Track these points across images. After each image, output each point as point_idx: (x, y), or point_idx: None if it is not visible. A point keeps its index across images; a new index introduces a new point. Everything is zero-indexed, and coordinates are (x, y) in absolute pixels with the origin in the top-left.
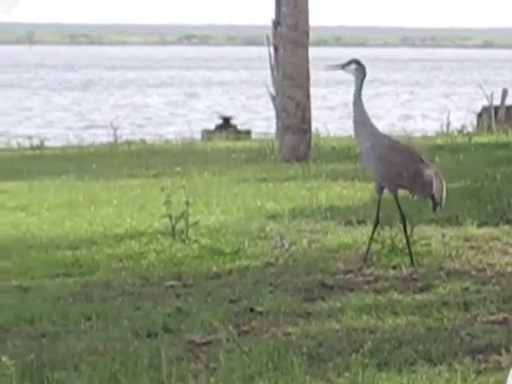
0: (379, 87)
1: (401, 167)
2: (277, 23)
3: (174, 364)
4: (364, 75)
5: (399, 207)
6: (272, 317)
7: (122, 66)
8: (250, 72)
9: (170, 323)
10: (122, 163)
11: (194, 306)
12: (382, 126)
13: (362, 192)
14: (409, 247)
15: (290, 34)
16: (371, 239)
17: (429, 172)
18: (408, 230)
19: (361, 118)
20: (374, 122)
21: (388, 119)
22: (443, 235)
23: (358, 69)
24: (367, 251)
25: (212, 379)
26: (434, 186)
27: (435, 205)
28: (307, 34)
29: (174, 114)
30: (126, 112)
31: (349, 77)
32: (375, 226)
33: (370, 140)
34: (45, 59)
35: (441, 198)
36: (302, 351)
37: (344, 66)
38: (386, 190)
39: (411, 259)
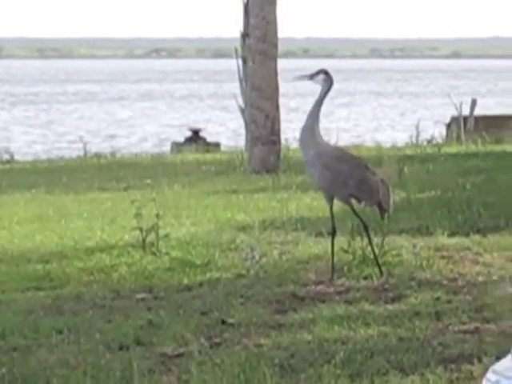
0: (347, 98)
1: (347, 175)
2: (245, 35)
3: (146, 376)
4: (330, 86)
5: (357, 215)
6: (244, 328)
7: (89, 79)
8: (219, 84)
9: (142, 336)
10: (92, 176)
11: (166, 319)
12: (350, 136)
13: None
14: (375, 256)
15: (259, 45)
16: (332, 250)
17: (375, 179)
18: (379, 240)
19: (311, 126)
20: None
21: (356, 130)
22: (414, 245)
23: (326, 79)
24: (332, 262)
25: None
26: (381, 192)
27: (383, 212)
28: (276, 45)
29: (142, 126)
30: (93, 125)
31: (317, 87)
32: (333, 236)
33: (315, 148)
34: (11, 73)
35: (388, 204)
36: (274, 363)
37: (312, 77)
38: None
39: (379, 268)
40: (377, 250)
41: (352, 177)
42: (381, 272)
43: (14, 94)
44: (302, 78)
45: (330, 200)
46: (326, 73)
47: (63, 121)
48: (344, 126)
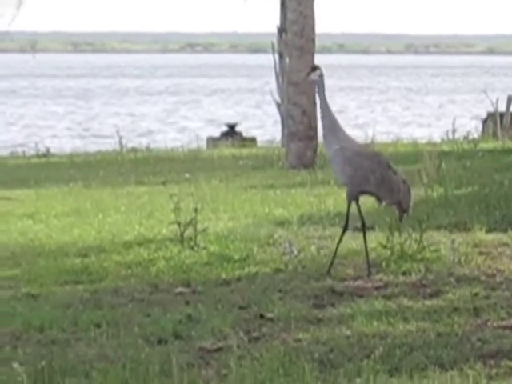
0: (381, 94)
1: (368, 171)
2: (282, 30)
3: (185, 370)
4: (323, 81)
5: (347, 214)
6: (282, 323)
7: (124, 74)
8: (254, 80)
9: (181, 330)
10: (128, 170)
11: (204, 313)
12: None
13: (369, 198)
14: (367, 254)
15: (296, 40)
16: (338, 243)
17: (396, 178)
18: (417, 236)
19: (330, 122)
20: (349, 129)
21: (392, 126)
22: (452, 241)
23: (322, 75)
24: (333, 256)
25: None
26: (402, 192)
27: (402, 212)
28: (313, 40)
29: (178, 122)
30: (129, 120)
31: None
32: (343, 232)
33: (339, 143)
34: (47, 68)
35: (408, 204)
36: (313, 357)
37: (308, 73)
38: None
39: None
40: (414, 246)
41: (373, 173)
42: (369, 271)
43: (47, 87)
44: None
45: (353, 196)
46: (320, 69)
47: (98, 115)
48: (380, 122)
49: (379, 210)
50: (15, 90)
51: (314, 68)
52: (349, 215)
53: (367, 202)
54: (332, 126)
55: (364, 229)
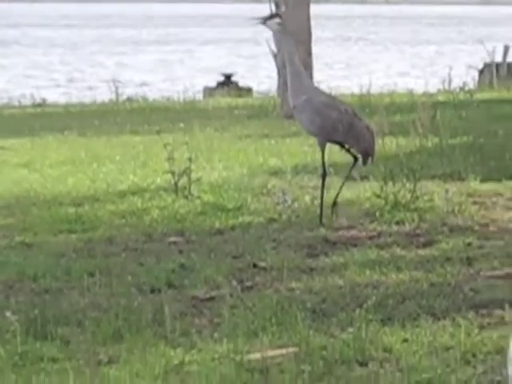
0: (379, 45)
1: (336, 121)
2: None
3: (178, 319)
4: (287, 28)
5: (323, 162)
6: (275, 272)
7: (117, 24)
8: (251, 29)
9: (174, 279)
10: (124, 120)
11: (198, 262)
12: (381, 82)
13: None
14: (321, 204)
15: None
16: (322, 193)
17: (362, 125)
18: (411, 186)
19: (296, 71)
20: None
21: (387, 76)
22: (446, 191)
23: (282, 24)
24: (321, 205)
25: (216, 334)
26: (367, 140)
27: (366, 157)
28: None
29: (174, 71)
30: (126, 70)
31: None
32: (323, 180)
33: (306, 93)
34: (41, 17)
35: (372, 150)
36: (306, 306)
37: (266, 21)
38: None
39: (320, 217)
40: (408, 196)
41: (341, 123)
42: (321, 221)
43: (44, 37)
44: (254, 21)
45: (323, 144)
46: (280, 17)
47: (96, 65)
48: (374, 72)
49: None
50: (5, 39)
51: (273, 16)
52: (324, 162)
53: None
54: (297, 76)
55: (324, 179)
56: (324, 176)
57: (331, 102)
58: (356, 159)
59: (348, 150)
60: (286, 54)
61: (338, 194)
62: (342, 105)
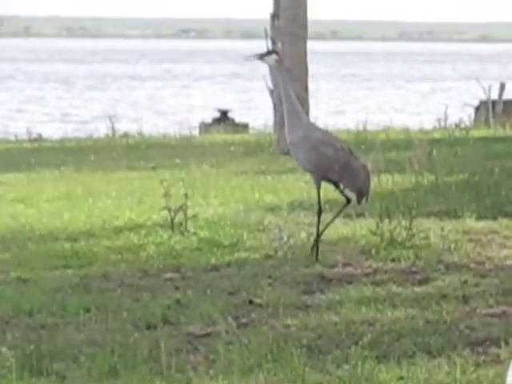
0: (375, 81)
1: (332, 159)
2: (275, 16)
3: (174, 356)
4: (283, 65)
5: (319, 200)
6: (271, 309)
7: (114, 59)
8: (247, 65)
9: (170, 315)
10: (120, 156)
11: (193, 298)
12: (377, 118)
13: None
14: (317, 239)
15: (289, 27)
16: (318, 229)
17: (358, 164)
18: (407, 223)
19: (293, 108)
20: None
21: (383, 112)
22: (442, 228)
23: (279, 60)
24: (317, 241)
25: (211, 371)
26: (362, 179)
27: (360, 197)
28: (305, 27)
29: (171, 107)
30: (120, 105)
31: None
32: (319, 216)
33: (303, 130)
34: (38, 52)
35: (367, 190)
36: (302, 343)
37: (262, 57)
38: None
39: (316, 254)
40: (404, 233)
41: (337, 161)
42: (316, 258)
43: (39, 72)
44: (252, 58)
45: (318, 181)
46: (277, 53)
47: (91, 101)
48: (371, 109)
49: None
50: (4, 73)
51: (270, 52)
52: (320, 199)
53: None
54: (294, 112)
55: (319, 216)
56: (319, 213)
57: (327, 138)
58: (348, 202)
59: (342, 192)
60: (282, 90)
61: (321, 231)
62: (339, 142)
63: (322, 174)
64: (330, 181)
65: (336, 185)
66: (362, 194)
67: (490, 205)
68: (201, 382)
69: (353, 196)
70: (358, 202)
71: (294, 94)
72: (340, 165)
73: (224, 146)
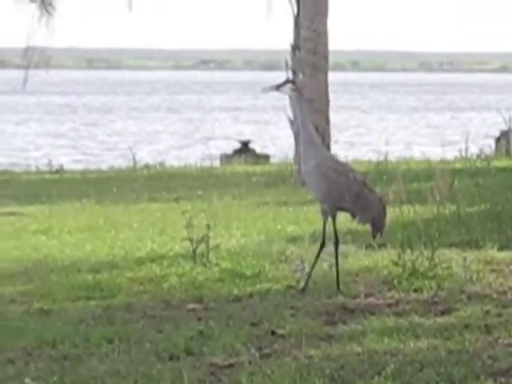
0: (396, 112)
1: (343, 188)
2: (295, 47)
3: None
4: (302, 94)
5: (335, 230)
6: (294, 340)
7: (134, 91)
8: (268, 96)
9: (192, 346)
10: (141, 187)
11: (216, 329)
12: (398, 149)
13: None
14: (337, 274)
15: (309, 58)
16: (316, 260)
17: (372, 196)
18: (429, 254)
19: (309, 137)
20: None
21: (405, 143)
22: (464, 258)
23: (295, 89)
24: (310, 271)
25: None
26: (376, 212)
27: (376, 231)
28: (326, 58)
29: (192, 138)
30: (142, 136)
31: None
32: (320, 248)
33: (316, 159)
34: (58, 84)
35: (382, 223)
36: (325, 374)
37: (279, 87)
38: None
39: (337, 283)
40: (426, 263)
41: (349, 190)
42: (338, 287)
43: (61, 104)
44: (268, 89)
45: (327, 214)
46: (293, 82)
47: (112, 132)
48: (393, 139)
49: (391, 227)
50: (25, 105)
51: (286, 82)
52: (325, 232)
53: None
54: (310, 142)
55: (337, 247)
56: (322, 245)
57: (341, 168)
58: (337, 242)
59: (335, 232)
60: (300, 119)
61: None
62: (352, 172)
63: (333, 203)
64: (344, 210)
65: (353, 215)
66: (376, 226)
67: None
68: None
69: (368, 229)
70: (373, 236)
71: (311, 124)
72: (352, 194)
73: (245, 177)
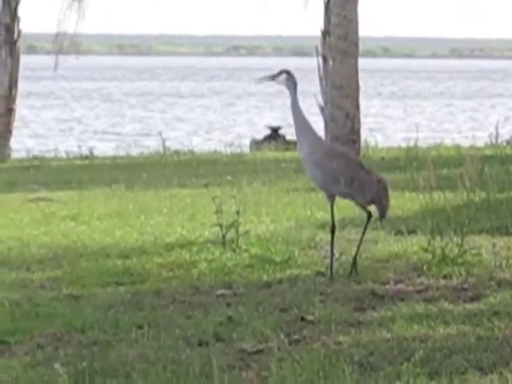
0: (426, 98)
1: (336, 172)
2: (326, 33)
3: (226, 372)
4: (295, 83)
5: (332, 216)
6: (323, 326)
7: (165, 77)
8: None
9: (221, 332)
10: (171, 173)
11: (245, 315)
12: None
13: (411, 202)
14: (355, 257)
15: (340, 44)
16: (332, 246)
17: (369, 178)
18: (459, 240)
19: (301, 126)
20: (316, 130)
21: (436, 129)
22: (494, 245)
23: (289, 78)
24: (331, 258)
25: None
26: (375, 192)
27: (380, 212)
28: (357, 44)
29: (223, 123)
30: (172, 122)
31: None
32: (332, 233)
33: (308, 146)
34: (89, 69)
35: (383, 204)
36: (353, 360)
37: (274, 77)
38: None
39: (355, 269)
40: (456, 250)
41: (343, 174)
42: (353, 272)
43: (92, 89)
44: (264, 79)
45: (330, 197)
46: (287, 72)
47: (143, 118)
48: (423, 125)
49: (420, 213)
50: (54, 91)
51: (281, 72)
52: (333, 217)
53: (408, 206)
54: (303, 129)
55: (333, 232)
56: (333, 230)
57: (333, 153)
58: (369, 215)
59: (362, 206)
60: (291, 108)
61: (357, 250)
62: (346, 156)
63: (330, 189)
64: (343, 195)
65: (354, 200)
66: (380, 208)
67: None
68: None
69: (369, 211)
70: (380, 217)
71: (303, 114)
72: (347, 177)
73: (275, 163)
